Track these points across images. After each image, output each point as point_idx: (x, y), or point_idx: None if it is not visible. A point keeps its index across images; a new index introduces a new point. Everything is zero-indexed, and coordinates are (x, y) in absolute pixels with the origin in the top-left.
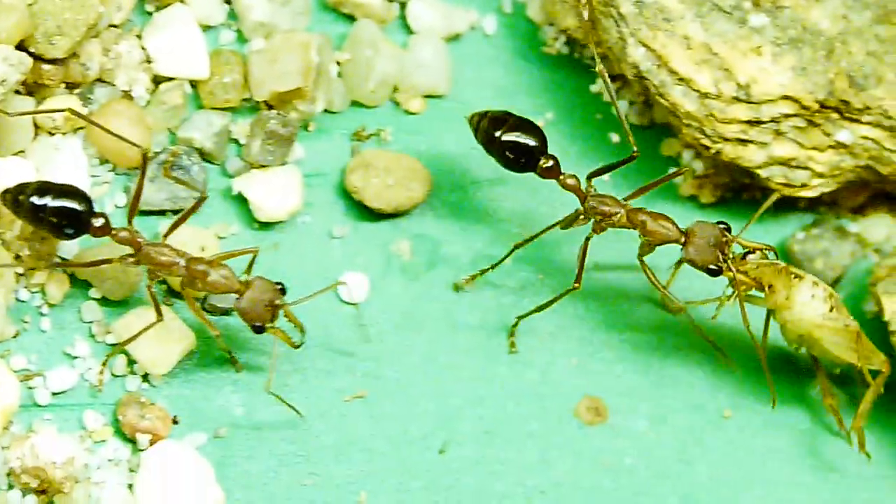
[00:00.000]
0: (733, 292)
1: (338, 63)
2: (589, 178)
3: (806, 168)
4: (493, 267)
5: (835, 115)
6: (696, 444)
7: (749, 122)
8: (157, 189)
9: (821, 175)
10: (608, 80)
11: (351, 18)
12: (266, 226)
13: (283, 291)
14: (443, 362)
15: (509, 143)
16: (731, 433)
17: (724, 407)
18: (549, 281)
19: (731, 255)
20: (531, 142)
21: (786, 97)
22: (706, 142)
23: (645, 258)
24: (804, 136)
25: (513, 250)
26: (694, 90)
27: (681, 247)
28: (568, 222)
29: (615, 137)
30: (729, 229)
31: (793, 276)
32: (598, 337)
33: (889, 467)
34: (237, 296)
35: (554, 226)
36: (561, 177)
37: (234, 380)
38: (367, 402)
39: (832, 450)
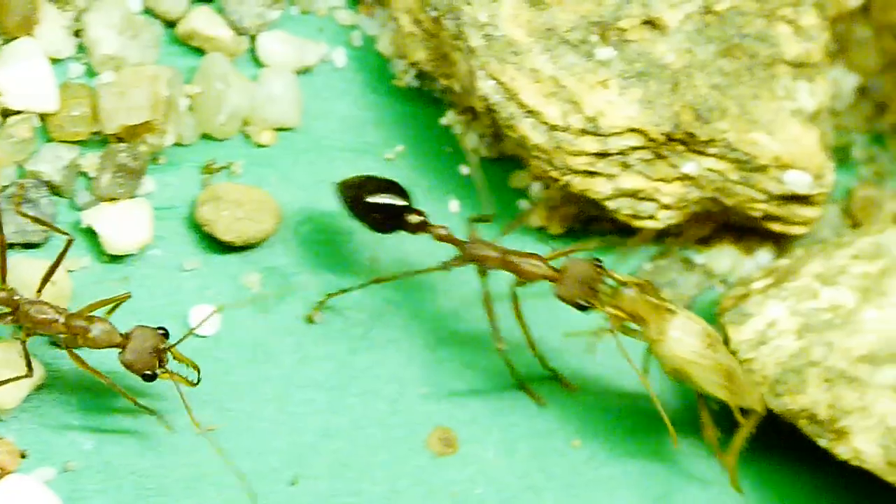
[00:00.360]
0: (609, 327)
1: (188, 96)
2: (472, 221)
3: (653, 200)
4: (341, 292)
5: (681, 148)
6: (543, 473)
7: (597, 155)
8: (4, 222)
9: (667, 207)
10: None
11: (201, 52)
12: (116, 259)
13: (165, 335)
14: (294, 395)
15: (375, 205)
16: (578, 462)
17: (573, 436)
18: (400, 312)
19: (603, 291)
20: (397, 201)
21: (633, 130)
22: (555, 174)
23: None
24: (651, 169)
25: (370, 282)
26: (542, 123)
27: (553, 284)
28: (447, 266)
29: (465, 170)
30: (602, 265)
31: (666, 310)
32: (448, 367)
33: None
34: (120, 349)
35: (434, 269)
36: (432, 229)
37: (83, 414)
38: (219, 435)
39: (679, 480)
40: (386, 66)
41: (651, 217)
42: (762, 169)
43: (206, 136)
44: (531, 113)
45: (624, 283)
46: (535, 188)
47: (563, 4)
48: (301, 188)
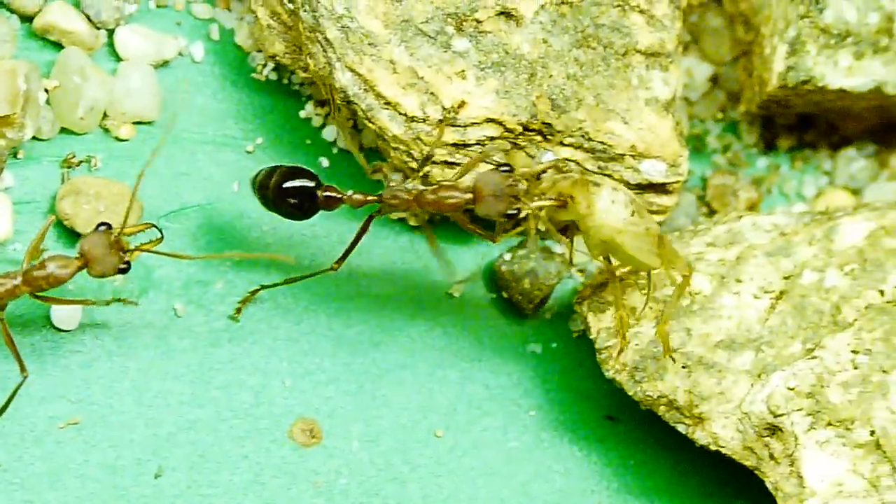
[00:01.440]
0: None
1: (46, 90)
2: (374, 171)
3: None
4: (262, 288)
5: (538, 138)
6: (407, 464)
7: (455, 145)
8: None
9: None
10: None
11: (58, 46)
12: None
13: (109, 227)
14: (156, 388)
15: (289, 189)
16: (442, 452)
17: (436, 427)
18: (264, 305)
19: (522, 192)
20: (307, 182)
21: (490, 120)
22: (414, 165)
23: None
24: (509, 159)
25: (287, 282)
26: (401, 114)
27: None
28: (357, 236)
29: (325, 162)
30: (511, 168)
31: (591, 184)
32: (311, 359)
33: None
34: (86, 268)
35: (322, 272)
36: (347, 200)
37: None
38: (81, 428)
39: (540, 469)
40: (244, 60)
41: None
42: (618, 158)
43: (65, 131)
44: (389, 104)
45: (540, 172)
46: (396, 179)
47: None
48: (162, 181)
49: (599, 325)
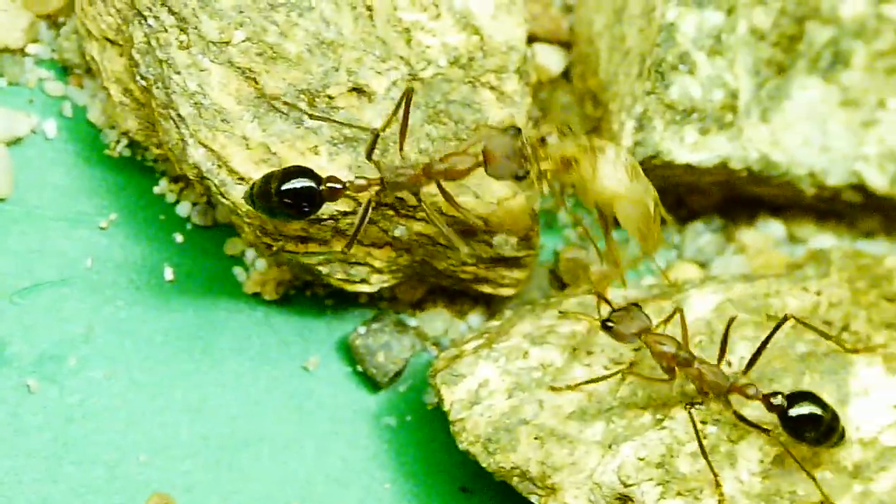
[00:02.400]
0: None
1: None
2: (368, 157)
3: (365, 264)
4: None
5: (391, 212)
6: None
7: (309, 220)
8: None
9: (380, 271)
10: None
11: None
12: None
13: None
14: (8, 465)
15: (287, 191)
16: None
17: (293, 499)
18: (117, 380)
19: (531, 153)
20: (308, 181)
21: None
22: (268, 240)
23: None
24: (362, 233)
25: None
26: None
27: (484, 168)
28: (360, 221)
29: (179, 237)
30: (519, 131)
31: (593, 148)
32: (167, 433)
33: None
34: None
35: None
36: (349, 184)
37: None
38: None
39: None
40: (98, 136)
41: (364, 281)
42: (471, 232)
43: None
44: (243, 180)
45: (544, 136)
46: (250, 255)
47: (271, 72)
48: (14, 258)
49: (453, 397)
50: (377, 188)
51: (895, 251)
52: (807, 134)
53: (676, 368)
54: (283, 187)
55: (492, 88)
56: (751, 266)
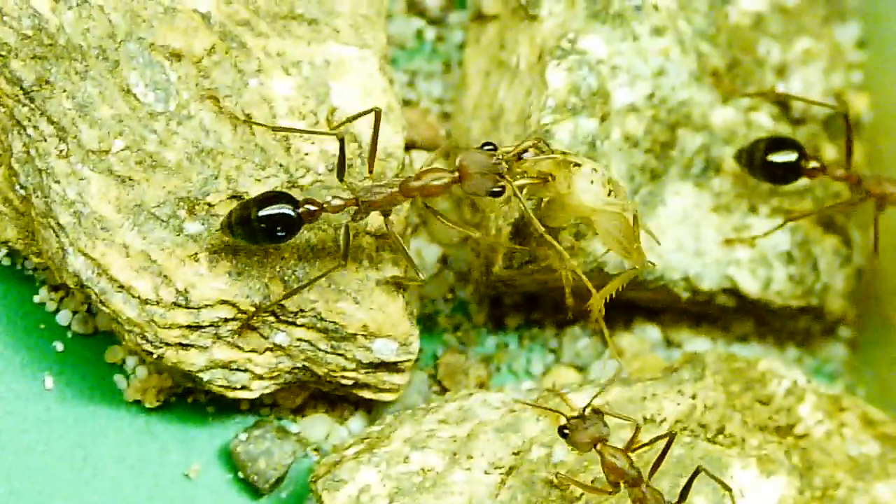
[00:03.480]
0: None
1: None
2: (340, 178)
3: (246, 370)
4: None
5: (271, 319)
6: None
7: (189, 327)
8: None
9: (261, 377)
10: None
11: None
12: None
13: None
14: None
15: (265, 217)
16: None
17: None
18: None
19: (506, 170)
20: (285, 207)
21: (223, 302)
22: (148, 347)
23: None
24: (243, 340)
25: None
26: (134, 297)
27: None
28: (345, 243)
29: (60, 346)
30: (494, 147)
31: (571, 164)
32: None
33: None
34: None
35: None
36: (327, 206)
37: None
38: None
39: None
40: None
41: (245, 387)
42: (350, 338)
43: None
44: (122, 288)
45: (521, 152)
46: (131, 362)
47: (151, 181)
48: None
49: (334, 502)
50: (353, 208)
51: (768, 355)
52: (680, 239)
53: (622, 484)
54: (262, 213)
55: None
56: (628, 369)
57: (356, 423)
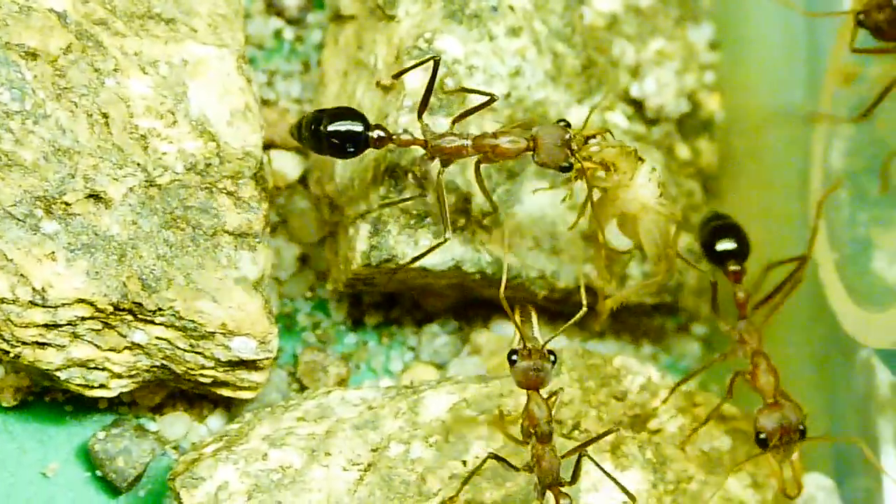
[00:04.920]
0: (577, 178)
1: None
2: (420, 115)
3: (104, 369)
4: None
5: (129, 317)
6: None
7: (46, 326)
8: None
9: (119, 375)
10: None
11: None
12: None
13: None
14: None
15: (334, 132)
16: None
17: None
18: None
19: (576, 148)
20: (355, 126)
21: (81, 300)
22: (5, 346)
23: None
24: (101, 338)
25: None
26: None
27: (531, 154)
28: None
29: None
30: (569, 125)
31: (634, 157)
32: None
33: None
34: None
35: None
36: (395, 136)
37: None
38: None
39: None
40: None
41: (103, 386)
42: (209, 336)
43: None
44: None
45: (590, 137)
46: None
47: (6, 179)
48: None
49: (192, 500)
50: (420, 148)
51: (623, 351)
52: (537, 237)
53: (534, 438)
54: (332, 127)
55: (229, 194)
56: (486, 367)
57: (215, 421)
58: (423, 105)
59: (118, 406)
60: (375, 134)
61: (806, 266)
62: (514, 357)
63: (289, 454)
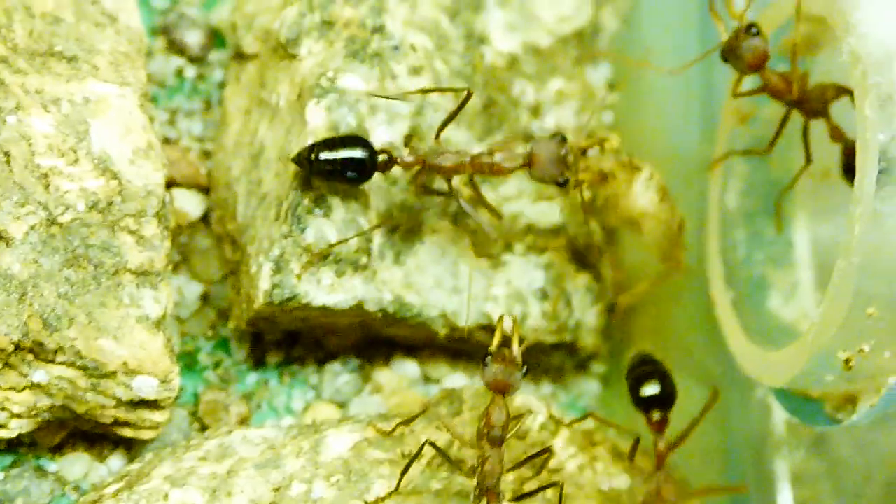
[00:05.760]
0: (577, 188)
1: None
2: (437, 136)
3: (4, 409)
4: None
5: (30, 357)
6: None
7: None
8: None
9: (19, 416)
10: None
11: None
12: None
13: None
14: None
15: (341, 160)
16: None
17: None
18: None
19: (574, 162)
20: (359, 153)
21: None
22: None
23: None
24: (1, 378)
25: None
26: None
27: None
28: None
29: None
30: (564, 138)
31: (633, 166)
32: None
33: None
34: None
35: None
36: (399, 159)
37: None
38: None
39: None
40: None
41: (2, 426)
42: (110, 375)
43: None
44: None
45: (587, 147)
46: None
47: None
48: None
49: None
50: (418, 168)
51: (524, 390)
52: (438, 276)
53: (484, 440)
54: (340, 155)
55: (131, 232)
56: (387, 405)
57: (116, 461)
58: (441, 128)
59: (17, 446)
60: (381, 158)
61: (718, 399)
62: (488, 359)
63: (190, 494)
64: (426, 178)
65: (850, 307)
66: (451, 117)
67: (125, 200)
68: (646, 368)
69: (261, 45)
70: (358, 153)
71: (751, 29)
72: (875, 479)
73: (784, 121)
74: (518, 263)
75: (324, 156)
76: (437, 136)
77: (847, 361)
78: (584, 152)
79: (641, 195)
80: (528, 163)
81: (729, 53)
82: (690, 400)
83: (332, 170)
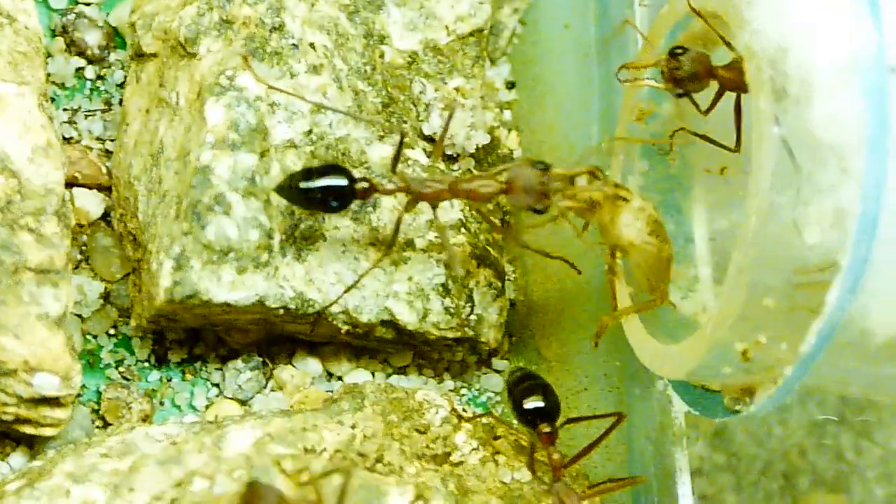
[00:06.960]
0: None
1: None
2: (393, 170)
3: None
4: None
5: None
6: None
7: None
8: None
9: None
10: None
11: None
12: None
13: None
14: None
15: (321, 188)
16: None
17: None
18: None
19: (553, 191)
20: (340, 181)
21: None
22: None
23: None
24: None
25: None
26: None
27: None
28: (395, 229)
29: None
30: (547, 168)
31: (619, 197)
32: None
33: None
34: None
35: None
36: (379, 186)
37: None
38: None
39: None
40: None
41: None
42: (11, 373)
43: None
44: None
45: (574, 175)
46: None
47: None
48: None
49: None
50: (403, 195)
51: (426, 385)
52: (340, 272)
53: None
54: (317, 184)
55: (30, 231)
56: (289, 402)
57: (17, 458)
58: (395, 161)
59: None
60: (361, 186)
61: (623, 422)
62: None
63: (92, 490)
64: (409, 206)
65: (746, 299)
66: (398, 153)
67: (24, 199)
68: (528, 383)
69: (160, 44)
70: (339, 181)
71: (674, 51)
72: (774, 471)
73: (738, 111)
74: (420, 259)
75: (304, 185)
76: (393, 170)
77: (745, 353)
78: (572, 180)
79: (628, 227)
80: (506, 190)
81: (680, 82)
82: (591, 400)
83: (313, 198)
